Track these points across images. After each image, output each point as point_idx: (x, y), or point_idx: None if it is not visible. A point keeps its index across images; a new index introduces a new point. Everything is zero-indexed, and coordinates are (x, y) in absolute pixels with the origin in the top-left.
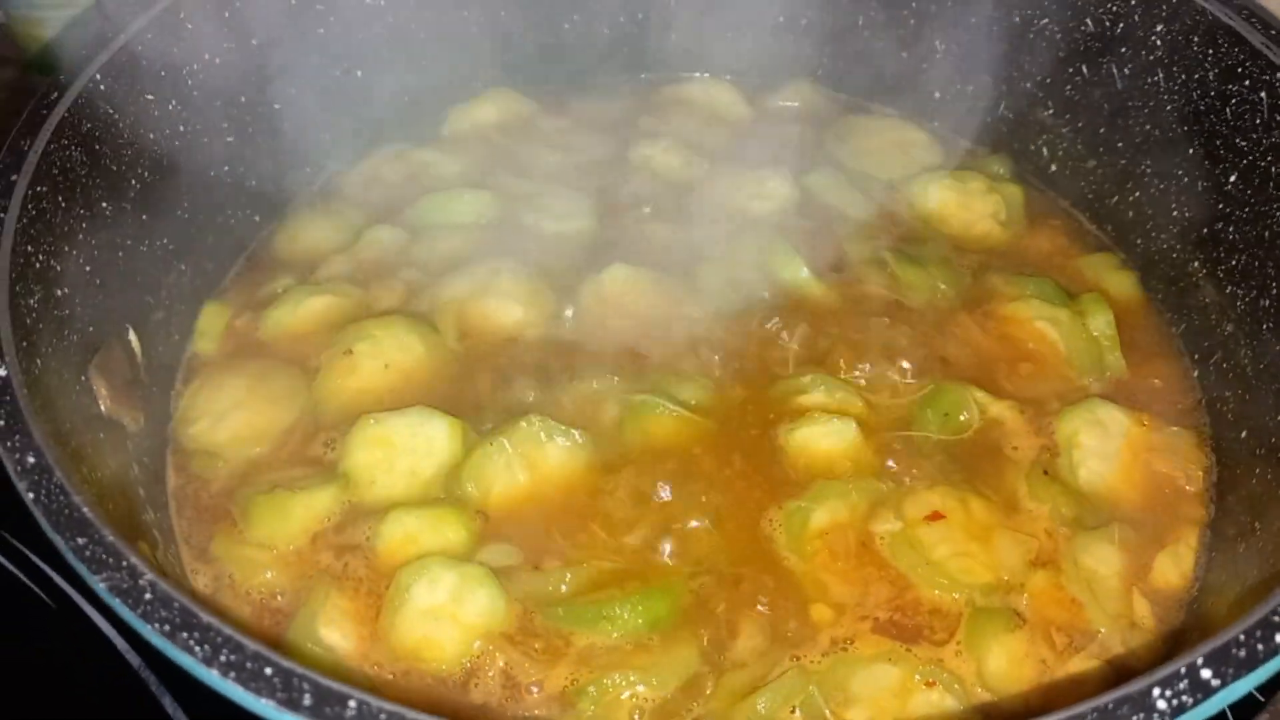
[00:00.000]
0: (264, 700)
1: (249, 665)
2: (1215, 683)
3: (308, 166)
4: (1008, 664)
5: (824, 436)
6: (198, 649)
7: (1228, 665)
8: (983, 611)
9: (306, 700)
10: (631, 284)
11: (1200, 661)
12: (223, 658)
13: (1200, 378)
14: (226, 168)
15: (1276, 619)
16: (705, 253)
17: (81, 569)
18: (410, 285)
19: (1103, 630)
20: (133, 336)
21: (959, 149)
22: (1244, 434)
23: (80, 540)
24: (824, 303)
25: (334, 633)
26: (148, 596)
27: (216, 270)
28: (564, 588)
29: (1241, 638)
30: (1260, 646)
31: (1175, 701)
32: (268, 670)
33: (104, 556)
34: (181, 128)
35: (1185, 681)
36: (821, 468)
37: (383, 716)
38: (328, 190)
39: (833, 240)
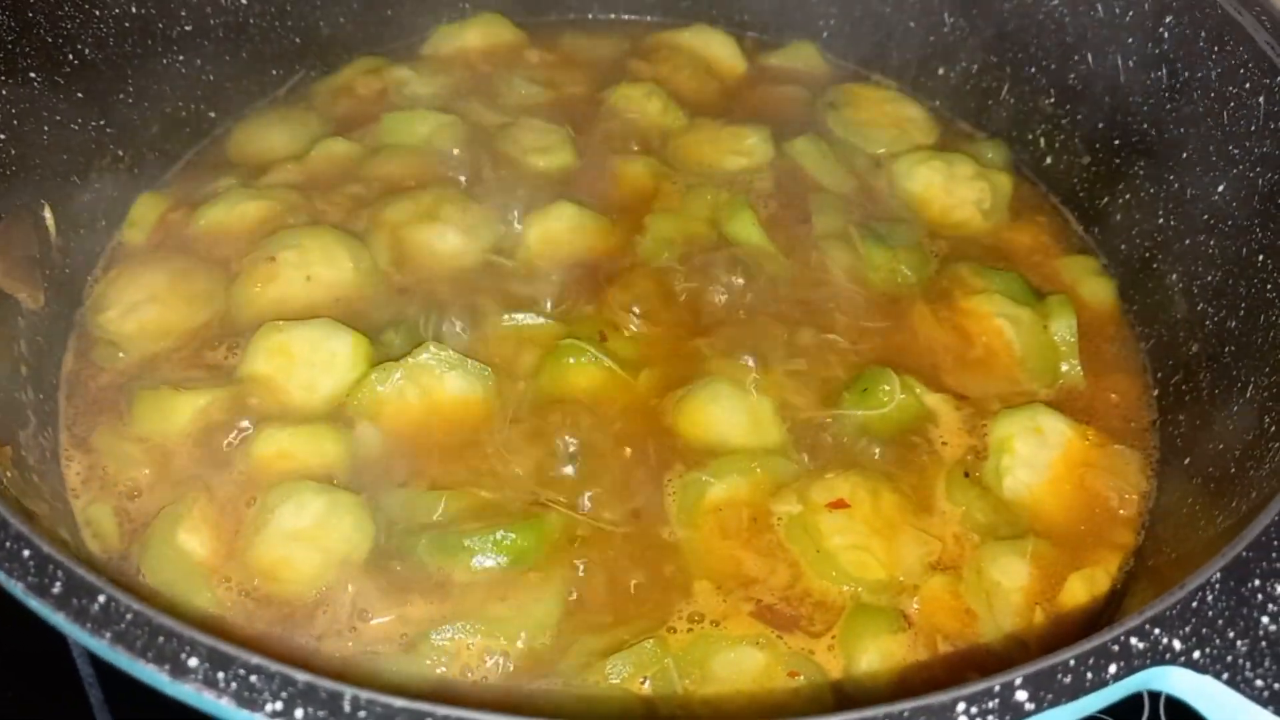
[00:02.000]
0: (14, 582)
1: (8, 545)
2: (1029, 706)
3: (275, 68)
4: (881, 666)
5: (727, 407)
6: None
7: (1047, 690)
8: (866, 608)
9: (56, 588)
10: (578, 225)
11: (1018, 681)
12: None
13: (1159, 398)
14: (181, 58)
15: (1114, 648)
16: (663, 203)
17: None
18: (356, 201)
19: (994, 646)
20: (48, 214)
21: (955, 131)
22: (1187, 461)
23: None
24: (773, 269)
25: (193, 539)
26: None
27: (159, 162)
28: (436, 515)
29: (1071, 663)
30: (1089, 675)
31: None
32: (26, 553)
33: None
34: (134, 8)
35: (995, 700)
36: (723, 439)
37: (129, 615)
38: (293, 96)
39: (801, 209)
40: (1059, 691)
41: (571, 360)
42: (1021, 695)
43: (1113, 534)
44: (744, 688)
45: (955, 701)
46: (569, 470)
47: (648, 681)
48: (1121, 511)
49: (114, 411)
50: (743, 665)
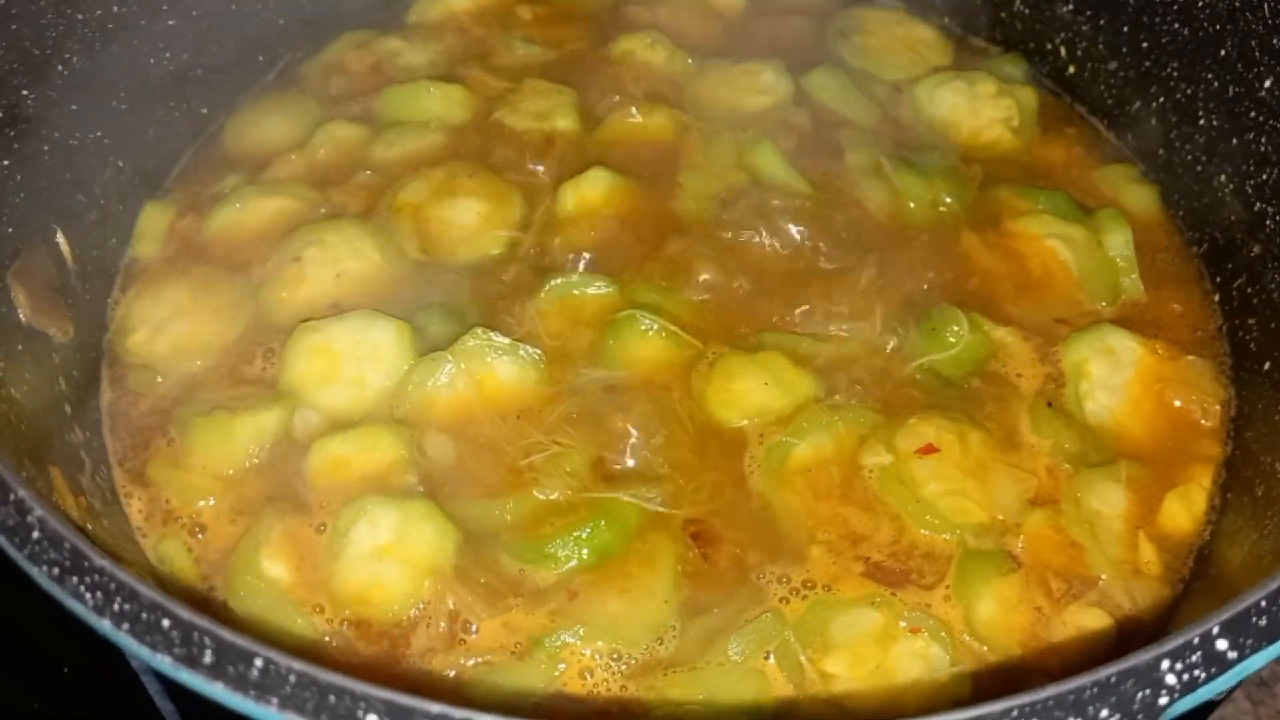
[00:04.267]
0: (160, 655)
1: (145, 616)
2: (1231, 655)
3: (260, 54)
4: (999, 611)
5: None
6: (89, 595)
7: (1246, 635)
8: (974, 554)
9: (208, 657)
10: (612, 189)
11: (1216, 630)
12: (116, 607)
13: (1221, 303)
14: (168, 54)
15: None
16: (691, 155)
17: None
18: (370, 189)
19: (1104, 577)
20: (61, 239)
21: (970, 48)
22: (1267, 365)
23: None
24: (816, 214)
25: (276, 565)
26: (35, 535)
27: (158, 167)
28: (508, 517)
29: (1263, 604)
30: None
31: (1186, 676)
32: (165, 623)
33: None
34: (115, 7)
35: (1198, 654)
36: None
37: (292, 677)
38: (283, 81)
39: (830, 145)
40: (1259, 635)
41: (639, 329)
42: (1222, 644)
43: (1199, 447)
44: (866, 651)
45: (1159, 660)
46: (640, 452)
47: (771, 656)
48: (1204, 423)
49: (162, 439)
50: (861, 627)
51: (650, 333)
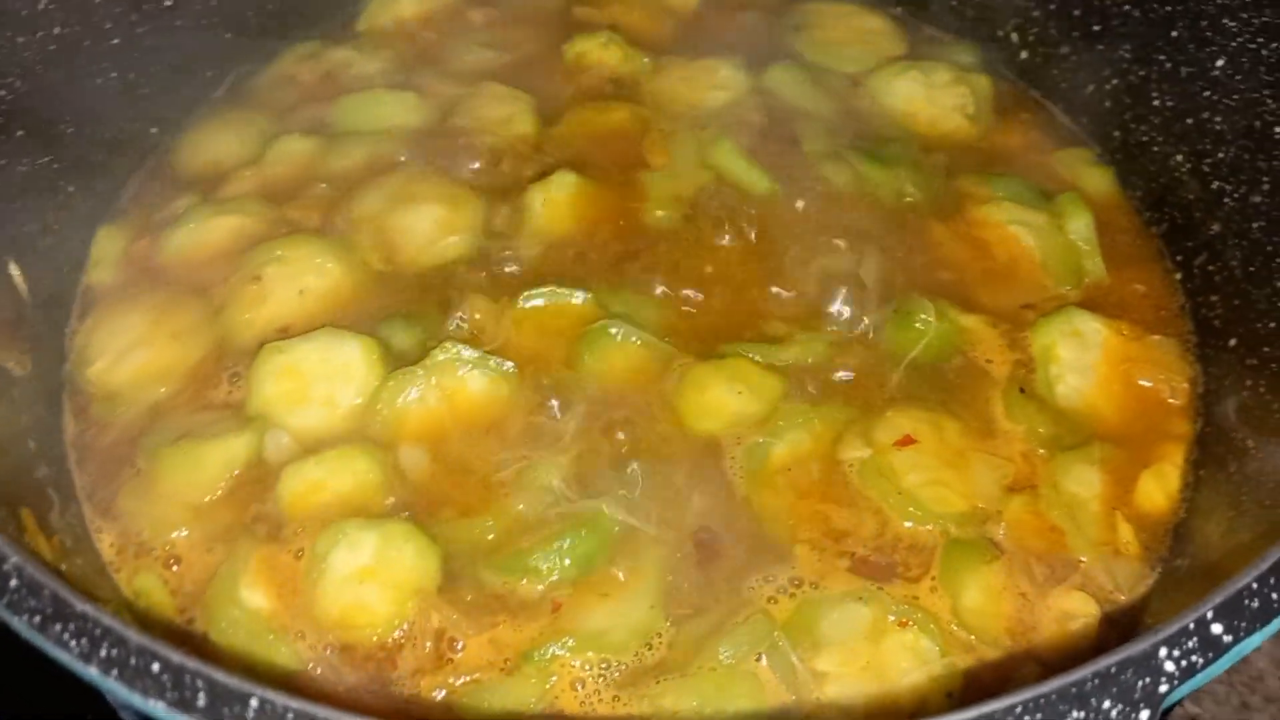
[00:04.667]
0: (153, 701)
1: (133, 662)
2: (1227, 639)
3: (209, 69)
4: (985, 599)
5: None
6: (74, 644)
7: (1239, 618)
8: (958, 543)
9: (201, 700)
10: (579, 194)
11: (1210, 615)
12: (103, 653)
13: (1183, 281)
14: (114, 74)
15: None
16: (655, 153)
17: None
18: (328, 201)
19: (1085, 559)
20: (14, 270)
21: (923, 37)
22: (1233, 342)
23: None
24: (780, 210)
25: (256, 594)
26: (13, 583)
27: (109, 190)
28: (489, 535)
29: (1253, 585)
30: (1275, 595)
31: (1184, 663)
32: (155, 667)
33: None
34: (57, 29)
35: (1194, 639)
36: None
37: (290, 716)
38: (233, 96)
39: (791, 139)
40: (1251, 617)
41: (614, 338)
42: (1217, 628)
43: (1170, 425)
44: (857, 648)
45: (1156, 648)
46: (619, 460)
47: (763, 658)
48: (1173, 401)
49: (130, 470)
50: (851, 623)
51: (626, 341)
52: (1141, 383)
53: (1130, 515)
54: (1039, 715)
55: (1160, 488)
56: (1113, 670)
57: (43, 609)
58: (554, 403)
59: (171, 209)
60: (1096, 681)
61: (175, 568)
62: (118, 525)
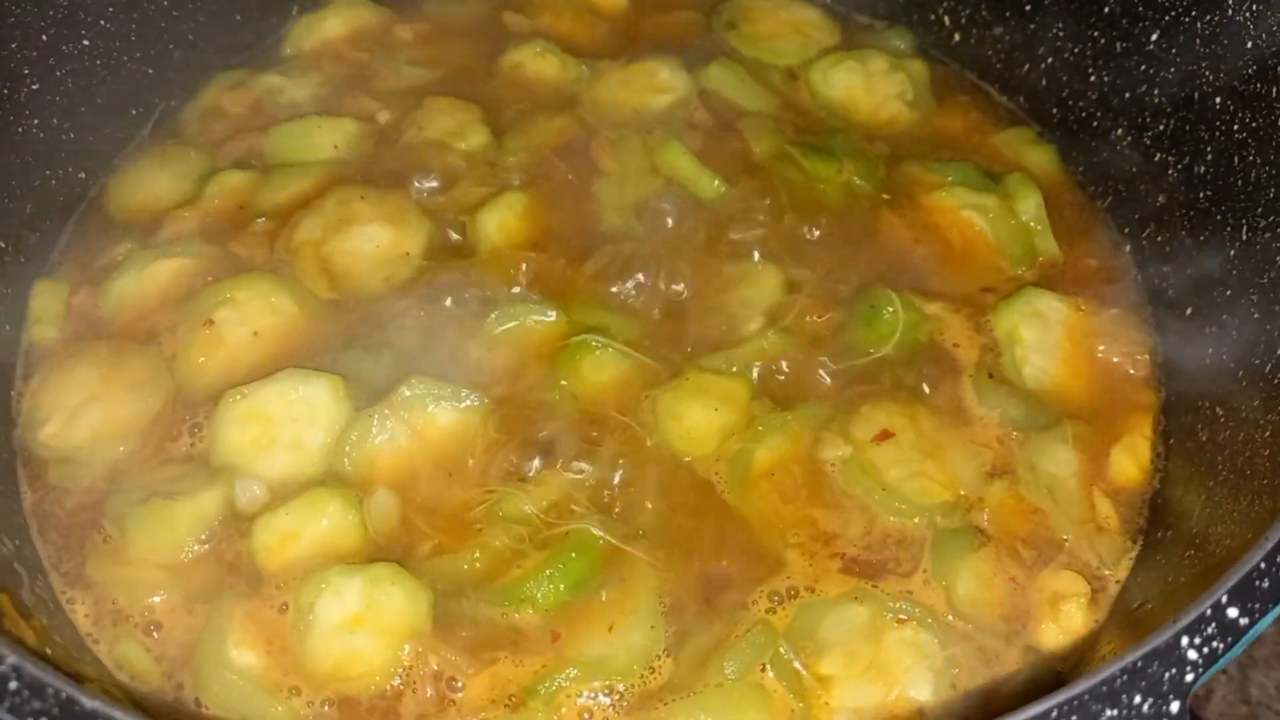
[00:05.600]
0: None
1: None
2: (1243, 621)
3: (133, 108)
4: (977, 587)
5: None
6: None
7: (1252, 599)
8: (946, 534)
9: None
10: (530, 209)
11: (1224, 599)
12: None
13: (1133, 253)
14: (36, 121)
15: None
16: (603, 165)
17: None
18: (269, 235)
19: (1068, 538)
20: None
21: (855, 24)
22: (1189, 311)
23: None
24: (732, 211)
25: (246, 654)
26: (13, 685)
27: (42, 242)
28: (475, 566)
29: (1262, 565)
30: None
31: (1206, 650)
32: None
33: None
34: None
35: (1213, 625)
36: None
37: None
38: (160, 132)
39: (736, 137)
40: (1264, 597)
41: (592, 354)
42: (1233, 612)
43: (1135, 396)
44: (859, 648)
45: (1177, 638)
46: (601, 479)
47: (768, 668)
48: (1135, 372)
49: (97, 535)
50: (850, 624)
51: (603, 356)
52: (1103, 356)
53: (1107, 490)
54: (1074, 718)
55: (1132, 460)
56: (1139, 665)
57: (49, 710)
58: (530, 428)
59: (110, 256)
60: (1125, 678)
61: (156, 634)
62: (90, 594)
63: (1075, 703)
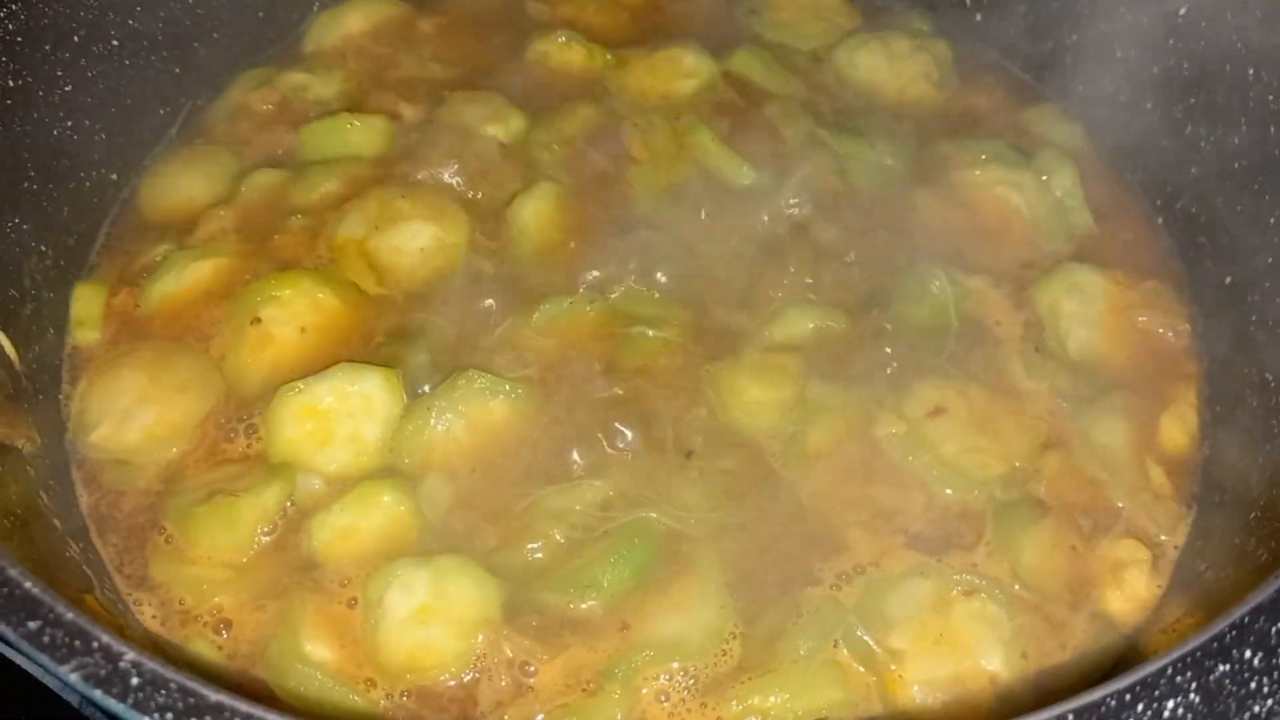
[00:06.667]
0: None
1: None
2: None
3: (161, 107)
4: (1040, 557)
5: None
6: None
7: None
8: (1006, 506)
9: None
10: (565, 198)
11: None
12: None
13: (1166, 225)
14: (70, 122)
15: None
16: (635, 152)
17: (43, 660)
18: (308, 231)
19: (1125, 506)
20: (3, 340)
21: (875, 7)
22: (1228, 280)
23: (33, 624)
24: (766, 195)
25: (320, 647)
26: (135, 681)
27: (80, 245)
28: (539, 556)
29: None
30: None
31: None
32: None
33: (67, 639)
34: (10, 81)
35: None
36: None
37: None
38: (188, 131)
39: (764, 121)
40: None
41: (644, 340)
42: None
43: (1178, 365)
44: (928, 621)
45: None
46: (661, 463)
47: (840, 644)
48: (1176, 342)
49: (158, 536)
50: (917, 599)
51: (652, 342)
52: (1144, 327)
53: (1159, 458)
54: (1189, 674)
55: (1181, 428)
56: (1246, 620)
57: (173, 705)
58: (586, 415)
59: (148, 257)
60: (1234, 633)
61: (226, 633)
62: (155, 595)
63: (1190, 659)
